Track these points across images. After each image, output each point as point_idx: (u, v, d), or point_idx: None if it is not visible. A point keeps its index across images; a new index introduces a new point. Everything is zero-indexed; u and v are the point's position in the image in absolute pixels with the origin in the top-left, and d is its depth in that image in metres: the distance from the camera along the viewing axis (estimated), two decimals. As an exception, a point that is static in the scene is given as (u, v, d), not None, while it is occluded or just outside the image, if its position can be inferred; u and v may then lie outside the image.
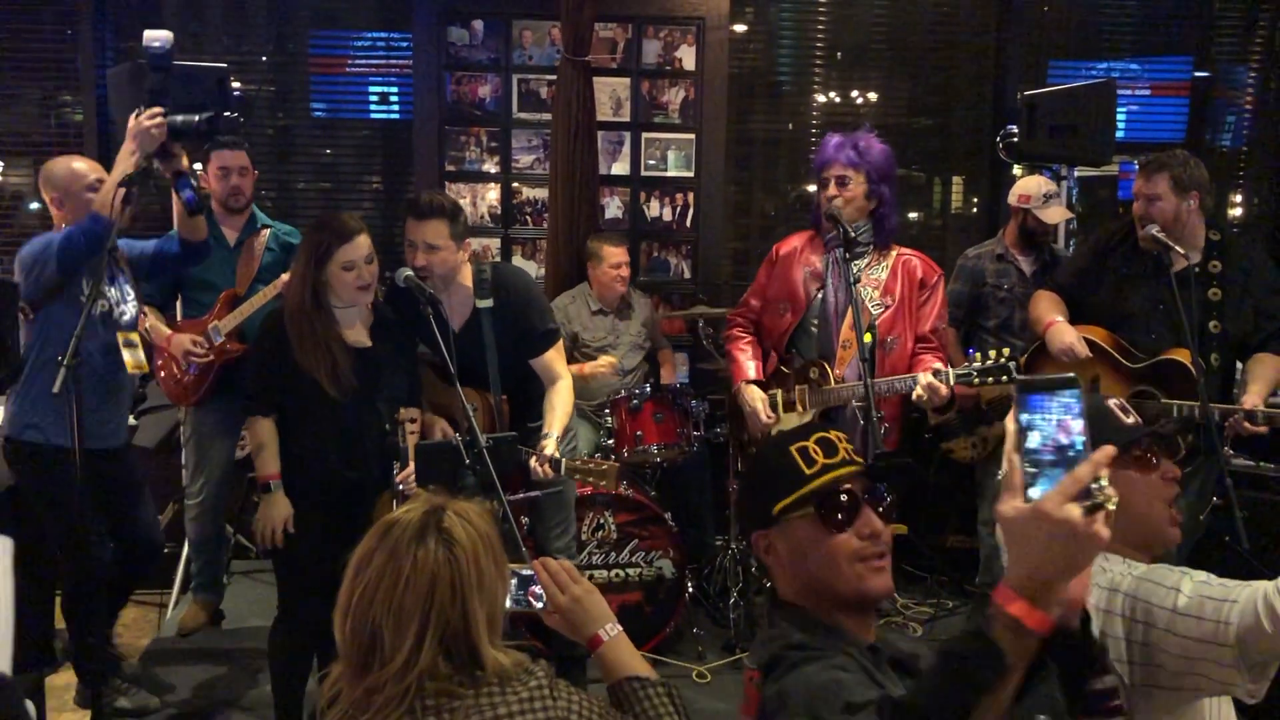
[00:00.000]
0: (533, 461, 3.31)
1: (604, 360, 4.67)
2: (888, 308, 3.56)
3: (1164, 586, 1.70)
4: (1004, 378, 3.31)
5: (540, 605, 1.72)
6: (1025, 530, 1.16)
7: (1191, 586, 1.67)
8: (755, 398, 3.70)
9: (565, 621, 1.71)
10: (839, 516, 1.58)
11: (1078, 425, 1.17)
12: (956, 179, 6.42)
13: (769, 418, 3.66)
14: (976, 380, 3.36)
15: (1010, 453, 1.18)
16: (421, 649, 1.47)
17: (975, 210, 6.33)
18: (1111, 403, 1.84)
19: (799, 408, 3.59)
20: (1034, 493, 1.15)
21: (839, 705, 1.37)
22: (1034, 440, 1.17)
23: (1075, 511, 1.12)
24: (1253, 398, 3.47)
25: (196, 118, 3.22)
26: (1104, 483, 1.13)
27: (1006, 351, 3.34)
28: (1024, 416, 1.18)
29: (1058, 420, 1.17)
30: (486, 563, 1.54)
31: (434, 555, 1.51)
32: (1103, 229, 4.07)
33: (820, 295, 3.61)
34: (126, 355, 3.50)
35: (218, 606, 4.53)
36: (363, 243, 3.21)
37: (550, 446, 3.35)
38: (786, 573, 1.64)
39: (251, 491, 4.68)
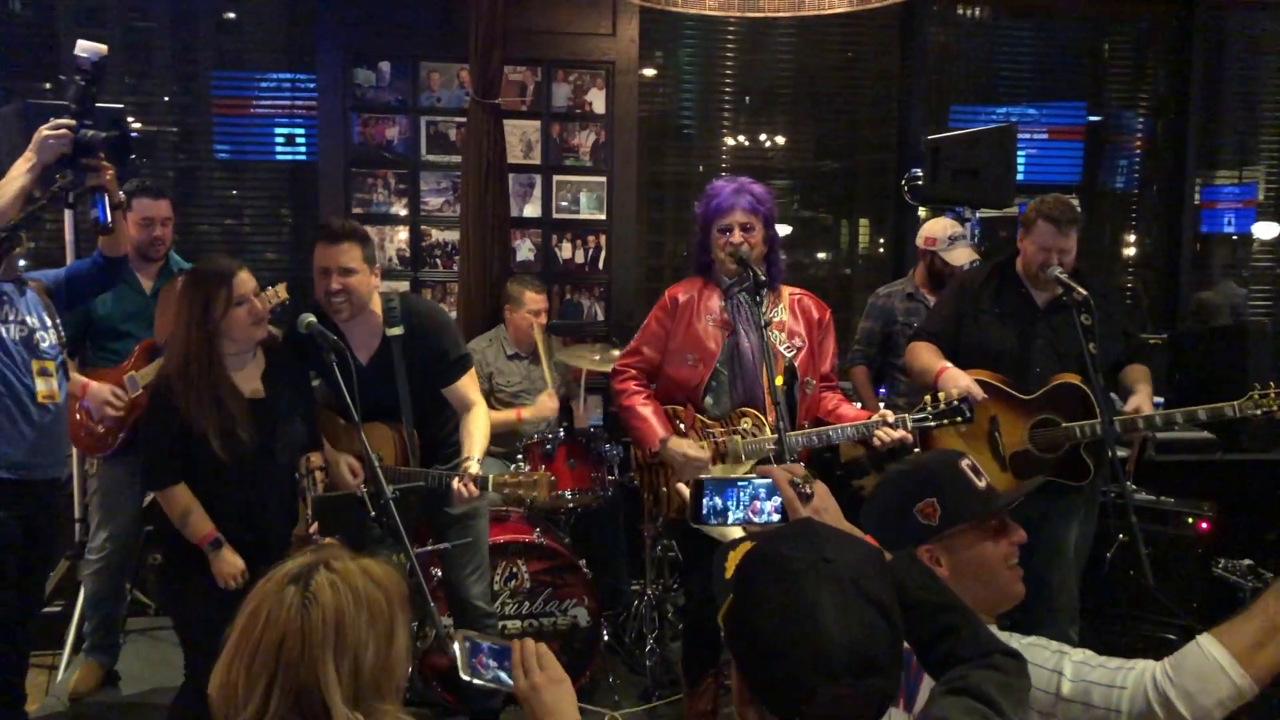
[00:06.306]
0: (456, 483, 3.24)
1: (545, 402, 4.49)
2: (800, 349, 3.55)
3: (1044, 669, 1.65)
4: (958, 419, 3.38)
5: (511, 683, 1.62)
6: None
7: (1073, 669, 1.63)
8: (683, 445, 3.45)
9: (527, 709, 1.60)
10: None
11: (770, 504, 1.23)
12: (863, 221, 6.52)
13: (706, 454, 3.44)
14: (933, 423, 3.41)
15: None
16: (269, 703, 1.42)
17: (882, 251, 6.43)
18: (964, 464, 1.85)
19: (730, 459, 3.47)
20: None
21: None
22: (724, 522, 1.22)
23: None
24: (1141, 399, 3.63)
25: (104, 134, 3.09)
26: None
27: (955, 391, 3.41)
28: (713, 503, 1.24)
29: (747, 503, 1.24)
30: (355, 623, 1.47)
31: (287, 609, 1.45)
32: (963, 274, 4.17)
33: (731, 343, 3.54)
34: (40, 384, 3.29)
35: (112, 668, 4.32)
36: (246, 277, 3.14)
37: (474, 467, 3.28)
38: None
39: (150, 545, 4.49)
